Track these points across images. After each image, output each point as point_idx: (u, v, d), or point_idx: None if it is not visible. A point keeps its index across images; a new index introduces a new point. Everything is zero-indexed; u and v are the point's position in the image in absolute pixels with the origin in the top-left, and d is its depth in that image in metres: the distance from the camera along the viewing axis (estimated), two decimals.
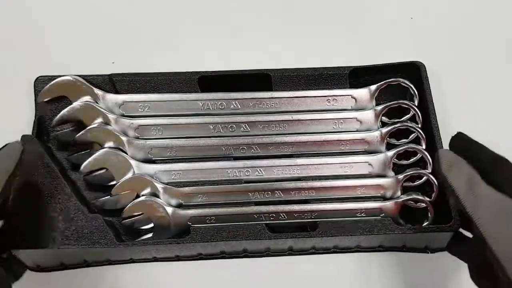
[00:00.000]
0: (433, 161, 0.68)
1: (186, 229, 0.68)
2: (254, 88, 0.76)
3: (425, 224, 0.68)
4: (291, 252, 0.71)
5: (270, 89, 0.76)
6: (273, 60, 0.78)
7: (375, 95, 0.75)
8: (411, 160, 0.72)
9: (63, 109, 0.72)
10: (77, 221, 0.66)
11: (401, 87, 0.75)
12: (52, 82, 0.73)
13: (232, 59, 0.81)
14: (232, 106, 0.75)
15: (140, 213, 0.68)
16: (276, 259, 0.71)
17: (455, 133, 0.62)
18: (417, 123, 0.73)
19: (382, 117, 0.75)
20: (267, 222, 0.68)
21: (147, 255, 0.69)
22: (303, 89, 0.76)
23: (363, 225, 0.66)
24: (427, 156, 0.71)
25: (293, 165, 0.71)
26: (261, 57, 0.81)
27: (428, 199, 0.69)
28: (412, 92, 0.75)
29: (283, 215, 0.68)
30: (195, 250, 0.68)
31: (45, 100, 0.73)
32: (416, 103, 0.75)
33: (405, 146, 0.71)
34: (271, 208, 0.69)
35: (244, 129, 0.74)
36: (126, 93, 0.75)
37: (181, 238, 0.66)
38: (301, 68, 0.77)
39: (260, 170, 0.71)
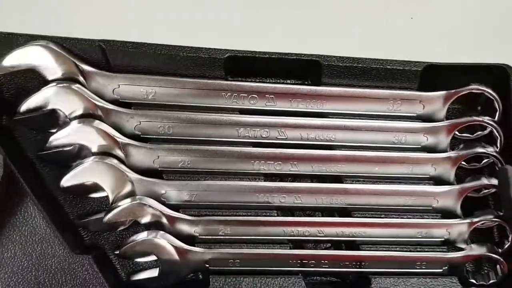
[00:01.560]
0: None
1: (201, 269, 0.53)
2: (297, 78, 0.58)
3: (491, 281, 0.57)
4: None
5: (318, 81, 0.58)
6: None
7: (450, 102, 0.59)
8: (482, 192, 0.58)
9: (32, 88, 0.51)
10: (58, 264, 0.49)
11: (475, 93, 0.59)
12: (18, 50, 0.50)
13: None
14: (266, 101, 0.56)
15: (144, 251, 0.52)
16: None
17: None
18: (495, 140, 0.58)
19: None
20: (305, 269, 0.54)
21: None
22: (359, 86, 0.58)
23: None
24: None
25: (341, 193, 0.56)
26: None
27: (498, 252, 0.57)
28: (497, 107, 0.58)
29: (325, 261, 0.54)
30: None
31: (8, 72, 0.51)
32: (497, 118, 0.59)
33: (485, 182, 0.57)
34: (311, 252, 0.54)
35: (280, 134, 0.56)
36: (123, 71, 0.54)
37: None
38: (360, 58, 0.58)
39: (298, 197, 0.55)
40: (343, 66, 0.57)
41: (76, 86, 0.51)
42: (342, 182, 0.57)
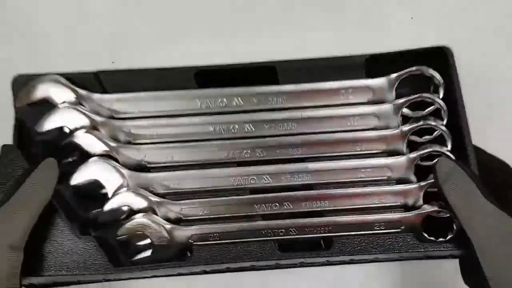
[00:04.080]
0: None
1: (187, 246, 0.61)
2: (258, 83, 0.67)
3: (449, 236, 0.61)
4: (302, 263, 0.65)
5: (276, 83, 0.68)
6: (279, 50, 0.69)
7: (395, 86, 0.67)
8: (435, 161, 0.65)
9: (46, 111, 0.64)
10: (68, 245, 0.60)
11: (425, 76, 0.66)
12: (30, 84, 0.64)
13: (233, 51, 0.72)
14: (234, 103, 0.67)
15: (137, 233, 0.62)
16: (287, 271, 0.65)
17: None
18: (442, 118, 0.66)
19: (404, 110, 0.66)
20: (276, 238, 0.61)
21: (146, 274, 0.63)
22: (313, 82, 0.68)
23: (381, 242, 0.60)
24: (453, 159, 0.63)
25: (303, 172, 0.64)
26: (265, 48, 0.72)
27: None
28: (437, 82, 0.66)
29: (293, 230, 0.61)
30: (198, 268, 0.62)
31: (25, 103, 0.65)
32: (441, 94, 0.66)
33: (429, 149, 0.63)
34: (280, 222, 0.62)
35: (248, 129, 0.66)
36: (115, 92, 0.67)
37: (182, 261, 0.60)
38: (310, 58, 0.68)
39: (266, 177, 0.64)
40: (296, 68, 0.67)
41: (79, 107, 0.65)
42: (304, 161, 0.65)
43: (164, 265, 0.59)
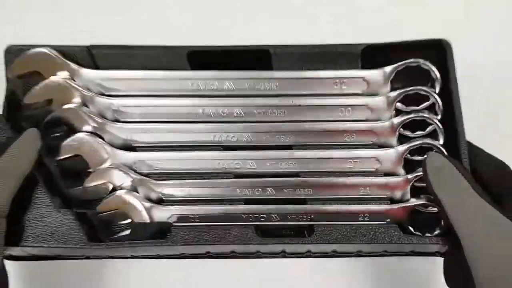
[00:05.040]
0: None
1: (167, 226, 0.61)
2: (252, 67, 0.66)
3: (436, 232, 0.59)
4: (284, 254, 0.64)
5: (269, 68, 0.67)
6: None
7: (391, 78, 0.65)
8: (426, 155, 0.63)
9: (37, 84, 0.64)
10: (47, 217, 0.60)
11: (422, 69, 0.64)
12: (23, 55, 0.64)
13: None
14: (225, 86, 0.65)
15: (116, 209, 0.61)
16: (267, 261, 0.64)
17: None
18: (437, 114, 0.64)
19: (397, 104, 0.64)
20: (257, 223, 0.60)
21: (125, 253, 0.63)
22: (307, 69, 0.66)
23: (365, 231, 0.59)
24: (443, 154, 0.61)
25: (290, 159, 0.63)
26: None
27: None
28: (434, 76, 0.64)
29: (275, 216, 0.61)
30: (177, 250, 0.62)
31: (16, 74, 0.65)
32: (437, 89, 0.65)
33: (420, 141, 0.62)
34: (262, 208, 0.61)
35: (237, 114, 0.65)
36: (107, 68, 0.66)
37: (160, 240, 0.59)
38: (306, 44, 0.66)
39: (252, 162, 0.63)
40: (290, 53, 0.66)
41: (69, 80, 0.64)
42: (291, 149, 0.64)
43: (141, 243, 0.58)
